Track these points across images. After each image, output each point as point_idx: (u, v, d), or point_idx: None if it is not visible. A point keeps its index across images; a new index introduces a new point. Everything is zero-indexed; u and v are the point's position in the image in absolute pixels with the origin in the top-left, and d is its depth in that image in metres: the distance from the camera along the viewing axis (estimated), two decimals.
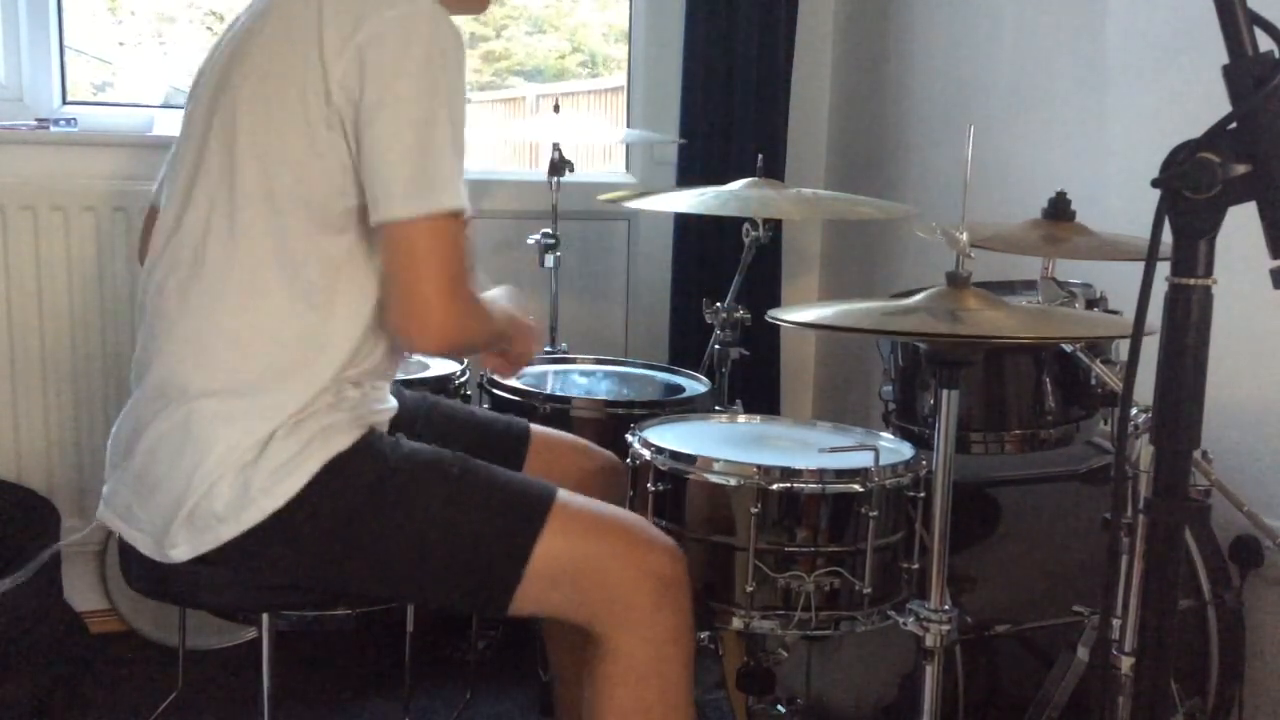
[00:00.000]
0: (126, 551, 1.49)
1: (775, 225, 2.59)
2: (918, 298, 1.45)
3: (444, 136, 1.33)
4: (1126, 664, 1.29)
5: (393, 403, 1.61)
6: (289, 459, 1.38)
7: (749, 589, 1.50)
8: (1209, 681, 1.76)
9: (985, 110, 2.52)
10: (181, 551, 1.40)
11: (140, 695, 2.32)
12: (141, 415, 1.44)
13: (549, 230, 2.51)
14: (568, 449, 1.78)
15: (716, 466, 1.53)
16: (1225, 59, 0.96)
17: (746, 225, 2.24)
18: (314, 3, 1.35)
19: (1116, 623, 1.30)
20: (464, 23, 1.83)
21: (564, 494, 1.45)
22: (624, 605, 1.41)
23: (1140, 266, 1.01)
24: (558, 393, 2.15)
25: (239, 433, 1.38)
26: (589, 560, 1.42)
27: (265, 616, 1.69)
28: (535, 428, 1.77)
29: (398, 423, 1.62)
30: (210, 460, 1.38)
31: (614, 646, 1.42)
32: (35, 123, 2.47)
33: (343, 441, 1.42)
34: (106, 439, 1.50)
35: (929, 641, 1.45)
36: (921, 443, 1.69)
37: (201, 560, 1.41)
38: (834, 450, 1.59)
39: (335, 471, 1.40)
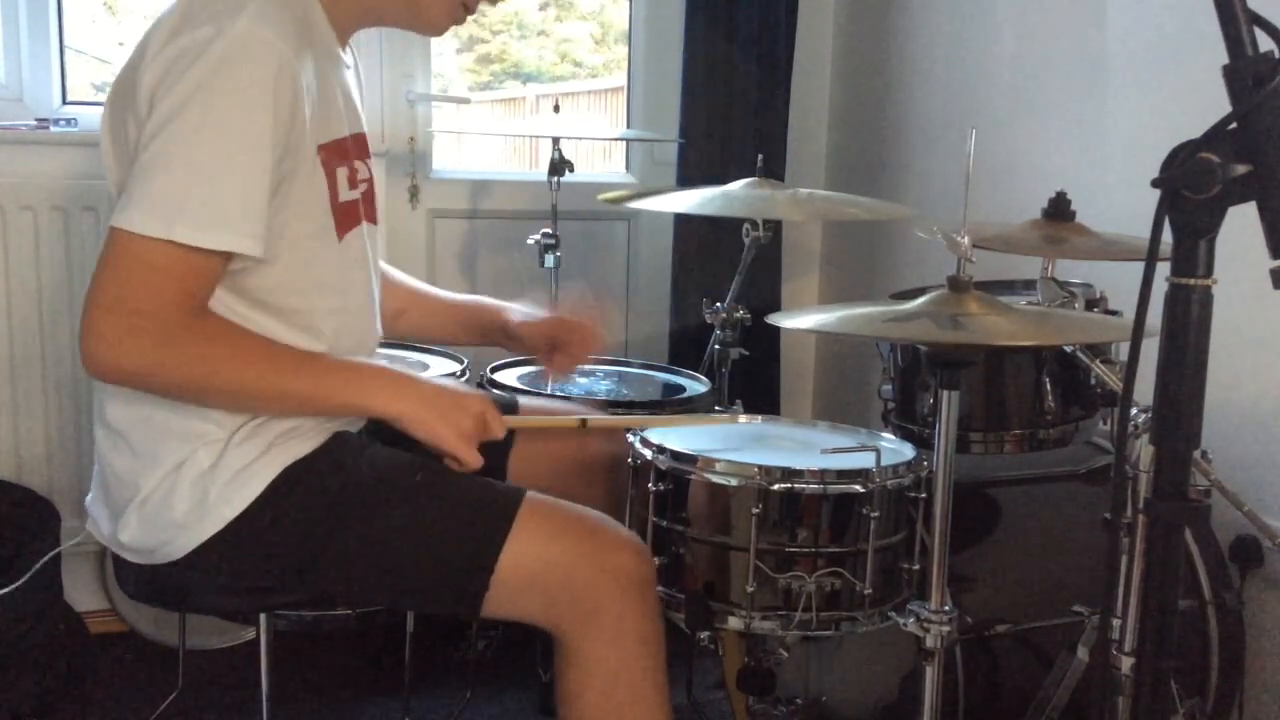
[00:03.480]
0: (119, 555, 1.49)
1: (775, 225, 2.59)
2: (919, 302, 1.45)
3: (189, 160, 1.26)
4: (1126, 664, 1.29)
5: None
6: (248, 464, 1.38)
7: (749, 589, 1.50)
8: (1209, 681, 1.76)
9: (985, 110, 2.52)
10: (131, 535, 1.40)
11: (140, 695, 2.32)
12: (101, 418, 1.45)
13: (549, 230, 2.51)
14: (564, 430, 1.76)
15: (717, 467, 1.53)
16: (1225, 59, 0.96)
17: (746, 225, 2.24)
18: (160, 18, 1.35)
19: (1116, 623, 1.30)
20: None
21: (532, 496, 1.44)
22: (590, 607, 1.40)
23: (1140, 266, 1.01)
24: (558, 393, 2.15)
25: (193, 440, 1.38)
26: (555, 562, 1.41)
27: (263, 617, 1.69)
28: (525, 403, 1.75)
29: (378, 422, 1.61)
30: (162, 468, 1.38)
31: (581, 650, 1.41)
32: (35, 123, 2.47)
33: (303, 447, 1.42)
34: None
35: (929, 642, 1.45)
36: (921, 442, 1.69)
37: (171, 565, 1.41)
38: (835, 451, 1.59)
39: (295, 478, 1.40)
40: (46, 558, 2.23)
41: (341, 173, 1.44)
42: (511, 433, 1.70)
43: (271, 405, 1.40)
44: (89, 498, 1.52)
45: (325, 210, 1.42)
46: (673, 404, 2.13)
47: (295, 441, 1.42)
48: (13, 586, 2.13)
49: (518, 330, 1.77)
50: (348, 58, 1.53)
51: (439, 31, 1.56)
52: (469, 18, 1.54)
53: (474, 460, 1.44)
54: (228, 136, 1.27)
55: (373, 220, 1.55)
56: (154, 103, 1.29)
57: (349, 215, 1.47)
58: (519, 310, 1.78)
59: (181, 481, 1.38)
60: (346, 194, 1.45)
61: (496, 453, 1.67)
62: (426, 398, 1.43)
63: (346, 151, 1.46)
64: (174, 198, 1.26)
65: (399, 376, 1.44)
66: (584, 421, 1.61)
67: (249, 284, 1.37)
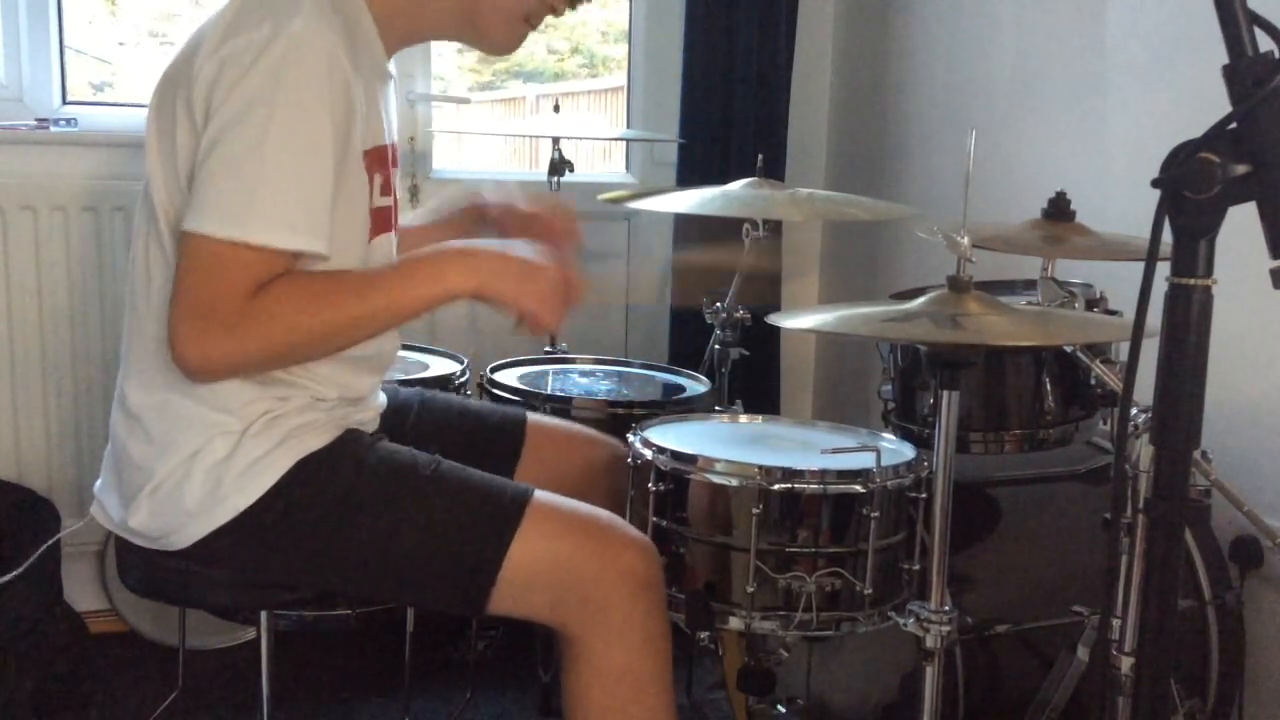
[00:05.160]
0: (122, 549, 1.50)
1: (775, 225, 2.59)
2: (919, 302, 1.45)
3: (258, 163, 1.27)
4: (1126, 664, 1.29)
5: (380, 401, 1.62)
6: (261, 455, 1.39)
7: (750, 589, 1.50)
8: (1209, 681, 1.76)
9: (985, 110, 2.52)
10: (141, 521, 1.41)
11: (140, 695, 2.32)
12: (120, 403, 1.46)
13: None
14: (568, 439, 1.76)
15: (718, 467, 1.53)
16: (1225, 59, 0.96)
17: (746, 225, 2.24)
18: (215, 16, 1.35)
19: (1116, 623, 1.30)
20: None
21: (540, 494, 1.44)
22: (598, 606, 1.40)
23: (1140, 266, 1.01)
24: (558, 393, 2.15)
25: (209, 430, 1.39)
26: (563, 560, 1.41)
27: (264, 616, 1.69)
28: (533, 418, 1.76)
29: (387, 420, 1.62)
30: (178, 455, 1.39)
31: (588, 649, 1.41)
32: (35, 123, 2.47)
33: (317, 441, 1.42)
34: (106, 439, 1.51)
35: (929, 642, 1.45)
36: (921, 442, 1.69)
37: (180, 554, 1.42)
38: (835, 451, 1.59)
39: (308, 471, 1.40)
40: (45, 546, 2.23)
41: (378, 179, 1.45)
42: (521, 439, 1.71)
43: (362, 330, 1.39)
44: (98, 483, 1.52)
45: (363, 214, 1.43)
46: (673, 404, 2.13)
47: (309, 435, 1.42)
48: (11, 575, 2.13)
49: (495, 216, 1.71)
50: (391, 70, 1.54)
51: (506, 50, 1.56)
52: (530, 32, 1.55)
53: (555, 321, 1.40)
54: (293, 138, 1.28)
55: (396, 230, 1.55)
56: (212, 102, 1.30)
57: (380, 221, 1.47)
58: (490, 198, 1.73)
59: (196, 470, 1.38)
60: (380, 200, 1.46)
61: (504, 458, 1.67)
62: (500, 267, 1.39)
63: (385, 159, 1.47)
64: (244, 200, 1.27)
65: (468, 252, 1.42)
66: None
67: None
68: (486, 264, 1.39)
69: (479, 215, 1.73)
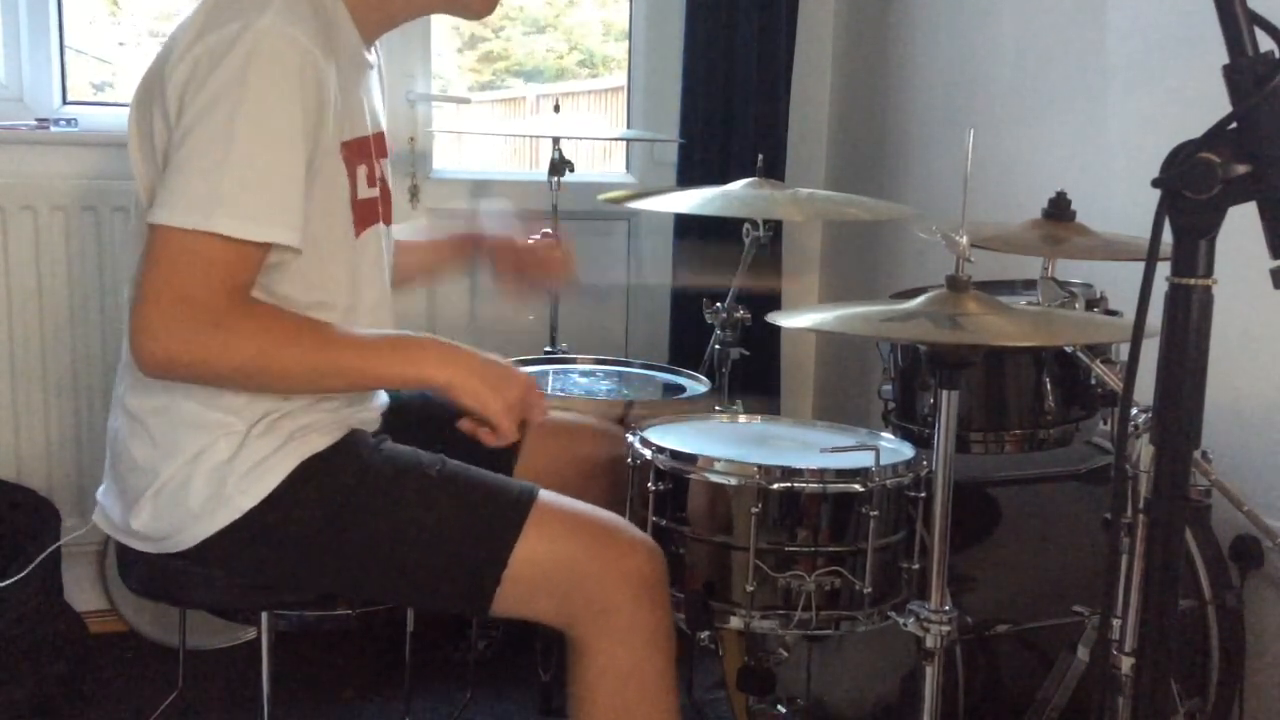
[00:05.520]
0: (124, 551, 1.50)
1: (775, 225, 2.59)
2: (918, 301, 1.45)
3: (223, 155, 1.26)
4: (1126, 664, 1.29)
5: (382, 400, 1.61)
6: (266, 457, 1.39)
7: (749, 589, 1.50)
8: (1209, 681, 1.76)
9: (985, 110, 2.52)
10: (144, 523, 1.41)
11: (140, 695, 2.32)
12: (122, 406, 1.45)
13: (549, 230, 2.50)
14: (570, 433, 1.76)
15: (717, 466, 1.53)
16: (1225, 59, 0.96)
17: (746, 225, 2.24)
18: (187, 19, 1.36)
19: (1116, 623, 1.30)
20: (461, 24, 1.83)
21: (545, 495, 1.44)
22: (602, 607, 1.40)
23: (1140, 266, 1.01)
24: (558, 393, 2.15)
25: (213, 430, 1.39)
26: (568, 561, 1.41)
27: (265, 616, 1.69)
28: None
29: (389, 419, 1.62)
30: (182, 456, 1.39)
31: (593, 649, 1.41)
32: (35, 123, 2.47)
33: (321, 441, 1.42)
34: (105, 439, 1.51)
35: (929, 642, 1.45)
36: (921, 442, 1.69)
37: (181, 555, 1.41)
38: (835, 450, 1.59)
39: (312, 472, 1.40)
40: (46, 552, 2.23)
41: (361, 171, 1.45)
42: (521, 433, 1.71)
43: (326, 381, 1.40)
44: (100, 489, 1.52)
45: (345, 207, 1.43)
46: (673, 404, 2.12)
47: (313, 436, 1.42)
48: (12, 580, 2.14)
49: (491, 246, 1.79)
50: (371, 59, 1.54)
51: (484, 12, 1.56)
52: None
53: (513, 432, 1.43)
54: (260, 130, 1.28)
55: (388, 221, 1.56)
56: (184, 100, 1.30)
57: (367, 213, 1.47)
58: (490, 230, 1.80)
59: (199, 471, 1.38)
60: (365, 192, 1.46)
61: (504, 451, 1.67)
62: (476, 367, 1.42)
63: (368, 150, 1.47)
64: (211, 190, 1.26)
65: (448, 346, 1.44)
66: (630, 403, 1.62)
67: (266, 279, 1.37)
68: (464, 362, 1.41)
69: (474, 243, 1.78)
